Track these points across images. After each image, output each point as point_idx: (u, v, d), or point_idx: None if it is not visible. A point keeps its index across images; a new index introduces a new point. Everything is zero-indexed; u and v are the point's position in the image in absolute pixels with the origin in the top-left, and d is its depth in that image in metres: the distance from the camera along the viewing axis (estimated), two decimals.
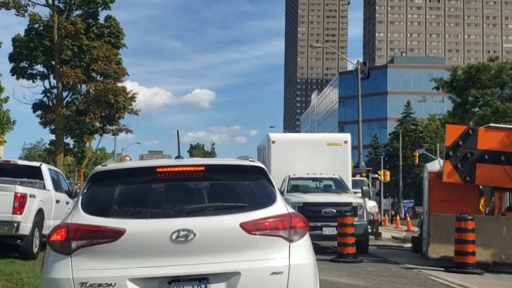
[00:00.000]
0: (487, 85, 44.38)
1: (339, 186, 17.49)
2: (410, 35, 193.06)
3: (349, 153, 20.35)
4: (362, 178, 30.89)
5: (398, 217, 40.51)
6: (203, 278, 4.31)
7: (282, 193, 13.65)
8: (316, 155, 19.13)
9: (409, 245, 17.88)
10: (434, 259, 12.86)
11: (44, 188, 12.99)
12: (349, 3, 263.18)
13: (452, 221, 12.05)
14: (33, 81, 35.69)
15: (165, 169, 4.78)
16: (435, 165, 15.18)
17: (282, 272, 4.40)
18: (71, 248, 4.33)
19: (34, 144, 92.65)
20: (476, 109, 44.75)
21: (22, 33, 35.27)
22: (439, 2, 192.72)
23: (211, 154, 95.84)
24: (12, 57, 35.10)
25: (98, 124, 37.00)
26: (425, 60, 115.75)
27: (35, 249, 11.90)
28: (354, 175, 26.18)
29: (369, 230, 18.10)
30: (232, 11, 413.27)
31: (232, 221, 4.45)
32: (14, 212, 11.16)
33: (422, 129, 75.66)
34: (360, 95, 37.87)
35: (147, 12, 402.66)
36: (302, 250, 4.59)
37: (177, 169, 4.78)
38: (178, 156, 5.49)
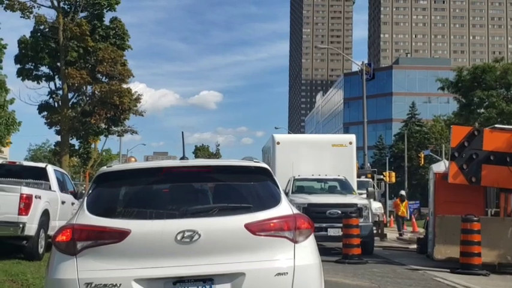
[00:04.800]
0: (492, 86, 44.31)
1: (343, 187, 17.48)
2: (416, 36, 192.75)
3: (354, 154, 20.32)
4: (367, 179, 30.81)
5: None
6: (208, 279, 4.31)
7: (286, 194, 13.69)
8: (321, 156, 19.11)
9: (415, 246, 17.84)
10: (439, 260, 12.83)
11: (50, 189, 13.03)
12: (354, 2, 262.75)
13: (458, 222, 12.03)
14: (39, 83, 35.87)
15: (170, 170, 4.79)
16: (440, 166, 15.14)
17: (287, 273, 4.40)
18: (76, 249, 4.34)
19: (39, 145, 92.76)
20: (482, 110, 44.65)
21: (28, 35, 35.42)
22: (444, 3, 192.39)
23: (216, 155, 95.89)
24: (17, 59, 35.25)
25: (103, 125, 37.11)
26: (431, 61, 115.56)
27: (41, 250, 11.92)
28: (358, 176, 26.14)
29: (374, 231, 18.08)
30: (237, 13, 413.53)
31: (237, 221, 4.45)
32: (19, 213, 11.18)
33: (428, 130, 75.52)
34: (365, 96, 37.81)
35: (152, 15, 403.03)
36: (307, 251, 4.59)
37: (182, 170, 4.80)
38: (183, 157, 5.49)
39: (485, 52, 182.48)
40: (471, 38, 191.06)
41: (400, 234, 25.42)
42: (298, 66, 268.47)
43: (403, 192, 29.56)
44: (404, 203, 27.49)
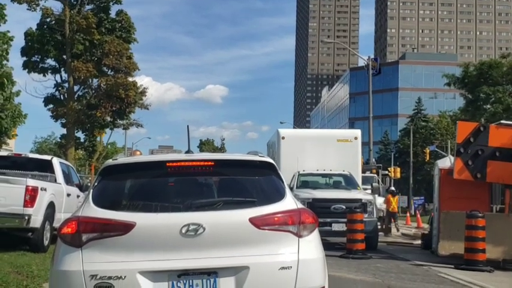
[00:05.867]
0: (498, 82, 44.19)
1: (348, 182, 17.48)
2: (422, 31, 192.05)
3: (359, 150, 20.31)
4: (372, 175, 30.84)
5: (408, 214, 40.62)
6: (212, 272, 4.33)
7: (291, 189, 13.70)
8: (326, 151, 19.10)
9: (419, 241, 17.84)
10: (444, 256, 12.83)
11: (55, 181, 13.08)
12: None
13: (463, 218, 12.01)
14: (45, 75, 35.94)
15: (175, 163, 4.80)
16: (446, 162, 15.12)
17: (291, 267, 4.41)
18: (82, 241, 4.35)
19: (45, 137, 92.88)
20: (488, 106, 44.53)
21: (34, 28, 35.47)
22: None
23: (221, 149, 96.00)
24: (24, 51, 35.31)
25: (108, 118, 37.15)
26: (437, 57, 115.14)
27: (46, 242, 11.98)
28: (363, 171, 26.14)
29: (378, 227, 18.08)
30: (243, 7, 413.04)
31: (241, 215, 4.46)
32: (25, 205, 11.24)
33: (433, 126, 75.38)
34: (371, 91, 37.73)
35: (158, 8, 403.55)
36: (311, 245, 4.60)
37: (186, 163, 4.80)
38: (189, 151, 5.50)
39: (492, 48, 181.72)
40: (478, 33, 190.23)
41: (385, 232, 24.50)
42: (304, 60, 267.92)
43: (393, 188, 29.62)
44: (395, 199, 27.39)
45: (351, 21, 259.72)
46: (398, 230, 25.08)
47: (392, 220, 25.44)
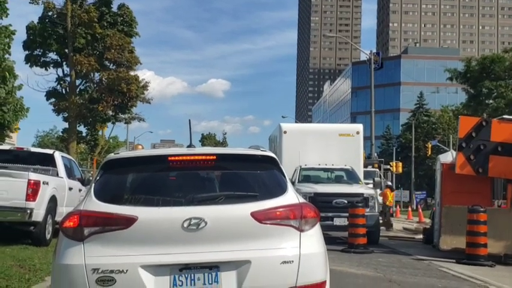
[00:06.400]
0: (501, 77, 44.08)
1: (350, 177, 17.48)
2: (425, 26, 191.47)
3: (361, 144, 20.29)
4: (374, 169, 30.77)
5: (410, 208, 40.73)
6: (214, 266, 4.33)
7: (293, 183, 13.69)
8: (328, 145, 19.08)
9: (421, 236, 17.85)
10: (445, 251, 12.83)
11: (57, 175, 13.09)
12: None
13: (464, 212, 12.01)
14: (47, 69, 35.94)
15: (176, 157, 4.79)
16: (448, 156, 15.11)
17: (293, 261, 4.41)
18: (84, 235, 4.36)
19: (47, 131, 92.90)
20: (490, 101, 44.46)
21: (36, 22, 35.43)
22: None
23: (223, 144, 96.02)
24: (26, 45, 35.30)
25: (110, 112, 37.17)
26: (439, 51, 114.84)
27: (48, 236, 12.02)
28: (365, 166, 26.10)
29: (380, 221, 18.07)
30: (245, 1, 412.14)
31: (243, 210, 4.45)
32: (27, 199, 11.26)
33: (435, 120, 75.31)
34: (373, 86, 37.67)
35: (159, 3, 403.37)
36: (313, 240, 4.60)
37: (188, 158, 4.79)
38: (190, 145, 5.49)
39: (494, 42, 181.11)
40: (480, 27, 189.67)
41: (387, 227, 24.39)
42: (306, 54, 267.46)
43: (389, 183, 29.74)
44: (392, 194, 27.44)
45: (353, 16, 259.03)
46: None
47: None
